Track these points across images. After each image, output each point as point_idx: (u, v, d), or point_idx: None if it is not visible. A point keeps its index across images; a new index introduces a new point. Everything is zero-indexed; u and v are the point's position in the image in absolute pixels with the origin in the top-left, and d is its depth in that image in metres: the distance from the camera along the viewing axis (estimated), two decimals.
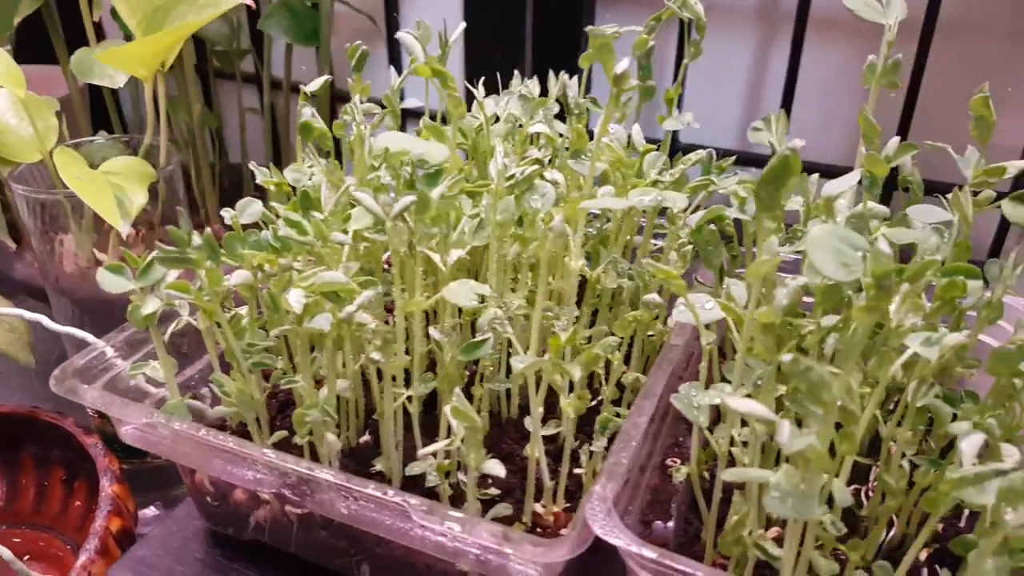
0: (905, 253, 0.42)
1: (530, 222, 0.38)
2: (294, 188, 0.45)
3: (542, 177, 0.40)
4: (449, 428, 0.36)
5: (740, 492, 0.39)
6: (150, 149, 0.62)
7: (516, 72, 0.51)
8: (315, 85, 0.43)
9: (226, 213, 0.40)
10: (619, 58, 0.32)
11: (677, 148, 0.80)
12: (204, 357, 0.51)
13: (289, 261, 0.39)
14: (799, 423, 0.29)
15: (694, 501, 0.42)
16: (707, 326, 0.37)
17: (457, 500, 0.41)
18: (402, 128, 0.47)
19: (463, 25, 0.45)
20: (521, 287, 0.43)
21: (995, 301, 0.41)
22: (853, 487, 0.44)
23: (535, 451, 0.39)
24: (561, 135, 0.47)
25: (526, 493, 0.42)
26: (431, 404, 0.47)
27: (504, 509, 0.40)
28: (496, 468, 0.36)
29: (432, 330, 0.38)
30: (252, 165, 0.46)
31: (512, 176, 0.37)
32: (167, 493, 0.67)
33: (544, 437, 0.44)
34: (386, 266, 0.60)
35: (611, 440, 0.38)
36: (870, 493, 0.44)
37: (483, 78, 0.43)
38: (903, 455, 0.42)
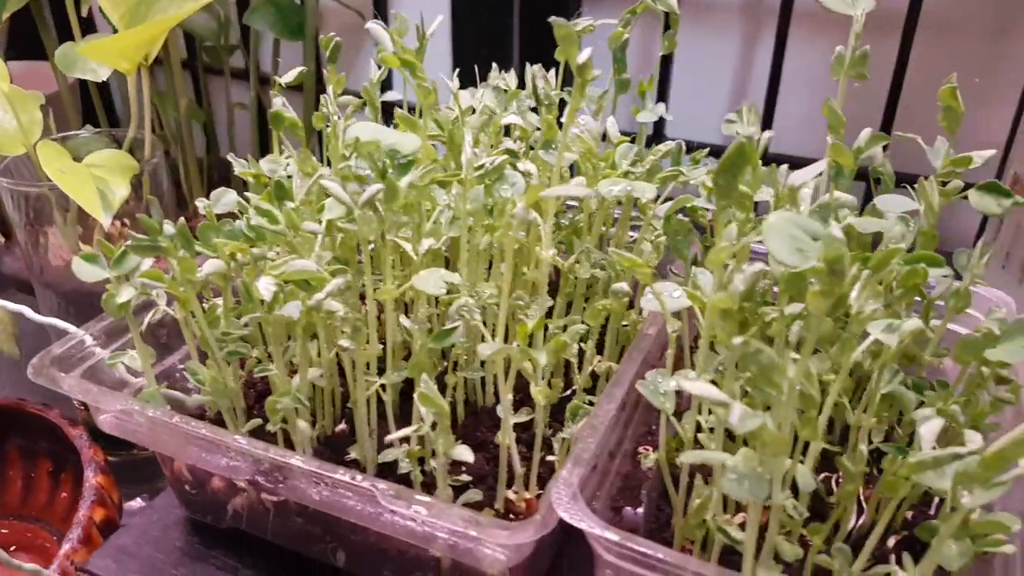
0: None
1: (500, 211, 0.38)
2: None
3: (514, 167, 0.40)
4: (422, 415, 0.37)
5: (710, 477, 0.39)
6: (135, 142, 0.63)
7: (495, 65, 0.51)
8: (290, 76, 0.43)
9: (200, 203, 0.41)
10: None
11: (663, 141, 0.80)
12: (185, 347, 0.51)
13: (263, 251, 0.39)
14: (768, 408, 0.30)
15: (665, 488, 0.42)
16: (676, 314, 0.38)
17: (431, 487, 0.42)
18: (386, 121, 0.48)
19: (440, 18, 0.46)
20: (495, 276, 0.44)
21: (963, 290, 0.41)
22: (824, 475, 0.45)
23: (506, 438, 0.40)
24: (539, 128, 0.48)
25: (498, 480, 0.42)
26: (409, 393, 0.48)
27: (475, 495, 0.41)
28: (465, 454, 0.37)
29: (403, 318, 0.38)
30: (231, 157, 0.47)
31: (482, 166, 0.37)
32: (154, 485, 0.67)
33: (518, 425, 0.45)
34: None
35: None
36: (840, 480, 0.45)
37: (457, 71, 0.43)
38: (869, 440, 0.42)
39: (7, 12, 0.67)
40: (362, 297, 0.49)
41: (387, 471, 0.43)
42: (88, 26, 0.82)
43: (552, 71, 0.49)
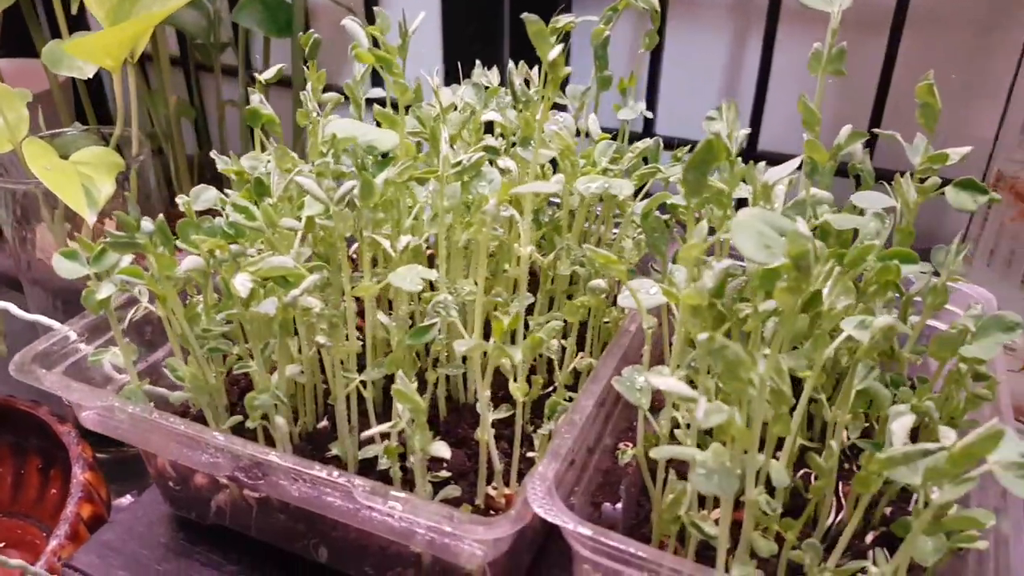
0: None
1: (477, 208, 0.38)
2: None
3: (494, 164, 0.41)
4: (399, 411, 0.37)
5: (686, 473, 0.39)
6: (123, 140, 0.63)
7: (478, 62, 0.51)
8: (269, 74, 0.43)
9: (180, 200, 0.41)
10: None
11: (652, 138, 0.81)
12: (170, 343, 0.51)
13: (242, 247, 0.39)
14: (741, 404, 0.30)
15: (644, 484, 0.42)
16: (656, 311, 0.38)
17: (411, 483, 0.42)
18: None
19: (422, 14, 0.46)
20: (476, 273, 0.44)
21: (940, 287, 0.41)
22: (804, 471, 0.45)
23: (485, 435, 0.40)
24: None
25: (479, 476, 0.42)
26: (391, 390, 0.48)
27: (453, 491, 0.41)
28: (442, 450, 0.37)
29: (381, 315, 0.39)
30: (214, 154, 0.47)
31: (459, 163, 0.37)
32: (142, 482, 0.67)
33: (500, 421, 0.45)
34: (354, 255, 0.60)
35: None
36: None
37: (438, 68, 0.43)
38: (847, 437, 0.42)
39: None
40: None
41: (368, 468, 0.43)
42: (81, 23, 0.82)
43: (536, 68, 0.49)
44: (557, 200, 0.51)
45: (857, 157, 0.44)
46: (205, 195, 0.42)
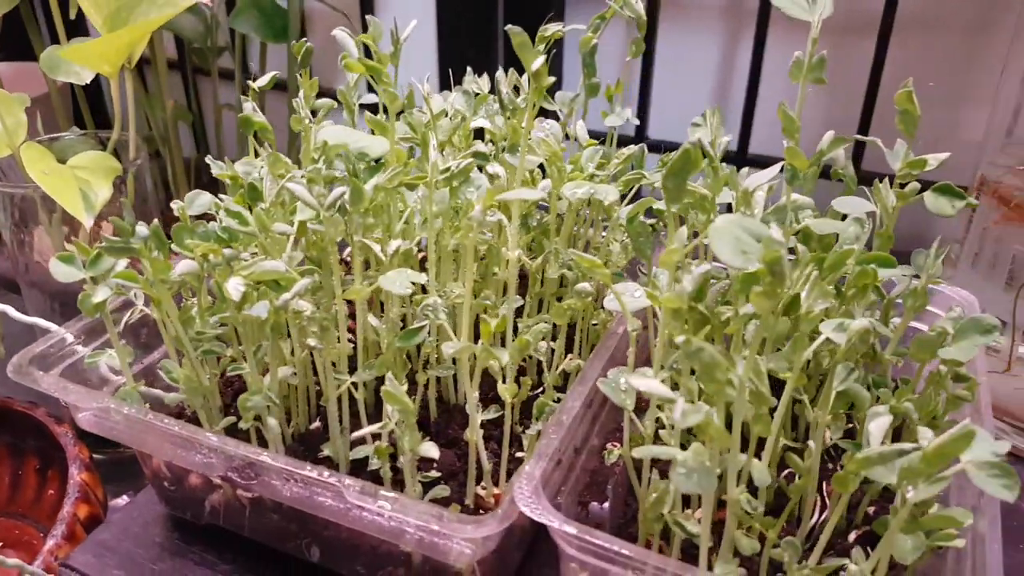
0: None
1: (465, 213, 0.39)
2: None
3: (483, 170, 0.41)
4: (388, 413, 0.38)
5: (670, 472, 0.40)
6: (120, 144, 0.64)
7: (469, 69, 0.52)
8: (263, 81, 0.44)
9: (175, 204, 0.41)
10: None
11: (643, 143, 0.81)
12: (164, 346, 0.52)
13: (236, 252, 0.40)
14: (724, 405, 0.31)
15: (631, 483, 0.43)
16: (636, 313, 0.38)
17: (402, 484, 0.43)
18: None
19: (414, 22, 0.47)
20: (466, 277, 0.44)
21: (920, 289, 0.42)
22: (788, 471, 0.46)
23: (474, 435, 0.41)
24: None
25: (468, 476, 0.43)
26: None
27: (443, 491, 0.41)
28: (431, 451, 0.38)
29: (371, 318, 0.39)
30: (209, 159, 0.48)
31: (448, 169, 0.38)
32: (139, 483, 0.68)
33: (490, 422, 0.46)
34: (346, 259, 0.61)
35: None
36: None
37: (429, 75, 0.44)
38: (830, 437, 0.43)
39: None
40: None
41: (360, 468, 0.44)
42: (79, 28, 0.83)
43: (526, 75, 0.50)
44: (546, 205, 0.52)
45: (840, 162, 0.45)
46: (199, 200, 0.42)
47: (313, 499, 0.39)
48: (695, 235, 0.39)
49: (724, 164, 0.42)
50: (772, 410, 0.35)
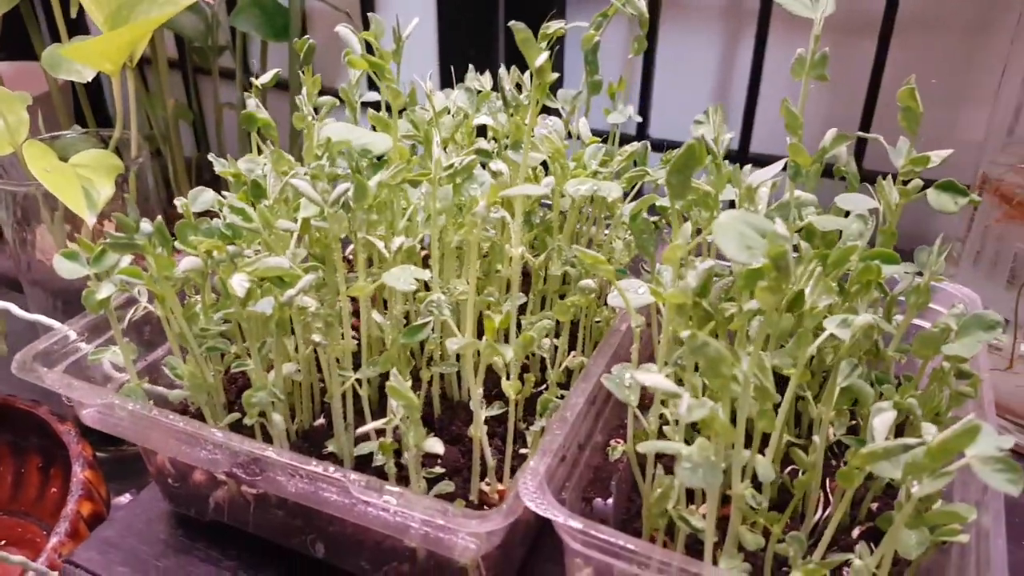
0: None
1: (469, 210, 0.39)
2: None
3: (486, 167, 0.41)
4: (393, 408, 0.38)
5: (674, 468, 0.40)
6: (122, 142, 0.64)
7: (471, 66, 0.52)
8: (266, 78, 0.44)
9: (178, 202, 0.42)
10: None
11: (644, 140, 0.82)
12: (168, 343, 0.52)
13: (239, 248, 0.40)
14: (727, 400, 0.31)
15: (635, 479, 0.43)
16: (640, 310, 0.38)
17: (407, 480, 0.43)
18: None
19: (416, 20, 0.47)
20: (470, 274, 0.45)
21: (923, 286, 0.42)
22: (792, 467, 0.46)
23: (478, 431, 0.41)
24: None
25: (472, 472, 0.43)
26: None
27: (447, 486, 0.42)
28: (435, 446, 0.38)
29: (376, 314, 0.39)
30: (211, 156, 0.48)
31: (451, 166, 0.38)
32: (142, 480, 0.68)
33: (494, 418, 0.46)
34: (349, 256, 0.61)
35: None
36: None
37: (431, 73, 0.44)
38: (833, 433, 0.43)
39: None
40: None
41: (364, 464, 0.44)
42: (79, 26, 0.83)
43: (528, 72, 0.50)
44: (548, 202, 0.52)
45: (842, 160, 0.45)
46: (203, 197, 0.43)
47: (318, 494, 0.39)
48: (698, 232, 0.40)
49: (726, 162, 0.42)
50: (776, 406, 0.35)
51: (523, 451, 0.46)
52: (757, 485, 0.38)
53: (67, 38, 0.69)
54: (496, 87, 0.49)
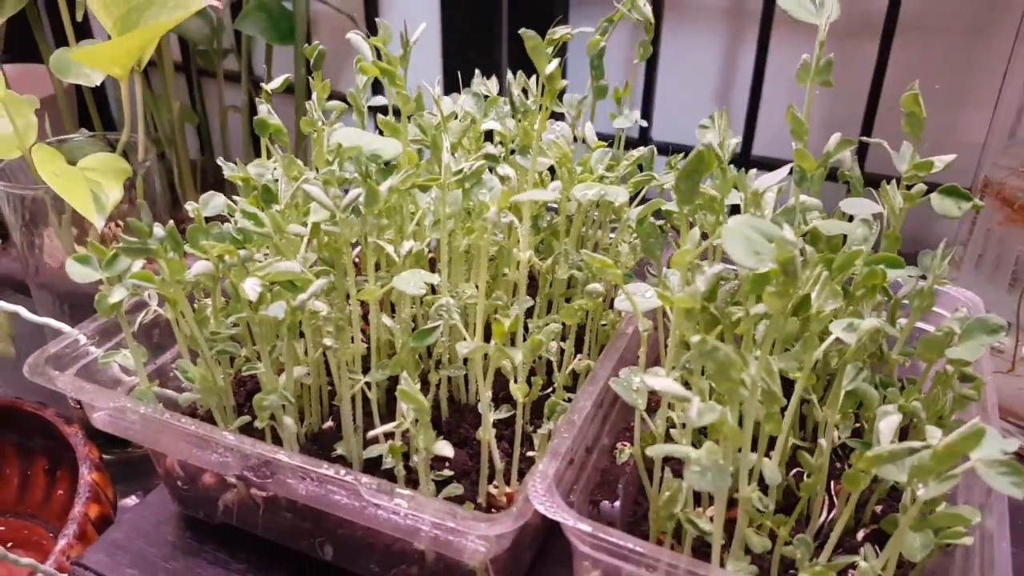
0: None
1: (477, 214, 0.39)
2: None
3: (493, 172, 0.42)
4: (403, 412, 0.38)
5: (681, 471, 0.40)
6: (129, 146, 0.64)
7: (477, 71, 0.52)
8: (276, 83, 0.45)
9: (189, 206, 0.42)
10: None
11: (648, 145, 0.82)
12: (178, 346, 0.53)
13: (250, 253, 0.41)
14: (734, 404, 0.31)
15: (642, 482, 0.43)
16: (647, 314, 0.39)
17: (415, 483, 0.43)
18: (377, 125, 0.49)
19: (423, 25, 0.47)
20: (477, 277, 0.45)
21: (926, 290, 0.42)
22: (796, 471, 0.46)
23: (486, 434, 0.41)
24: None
25: (480, 475, 0.43)
26: (395, 391, 0.49)
27: (455, 489, 0.42)
28: (445, 449, 0.38)
29: (386, 318, 0.40)
30: (220, 160, 0.48)
31: (460, 171, 0.39)
32: (148, 482, 0.68)
33: (502, 422, 0.46)
34: (358, 259, 0.61)
35: None
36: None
37: (439, 77, 0.44)
38: (838, 436, 0.44)
39: (3, 16, 0.68)
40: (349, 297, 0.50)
41: (373, 467, 0.45)
42: (85, 30, 0.83)
43: (534, 77, 0.50)
44: (555, 206, 0.53)
45: (846, 164, 0.45)
46: (214, 202, 0.43)
47: (328, 497, 0.39)
48: (704, 236, 0.40)
49: (731, 166, 0.42)
50: (782, 409, 0.35)
51: (530, 454, 0.46)
52: (763, 488, 0.38)
53: (74, 41, 0.69)
54: (503, 91, 0.50)
